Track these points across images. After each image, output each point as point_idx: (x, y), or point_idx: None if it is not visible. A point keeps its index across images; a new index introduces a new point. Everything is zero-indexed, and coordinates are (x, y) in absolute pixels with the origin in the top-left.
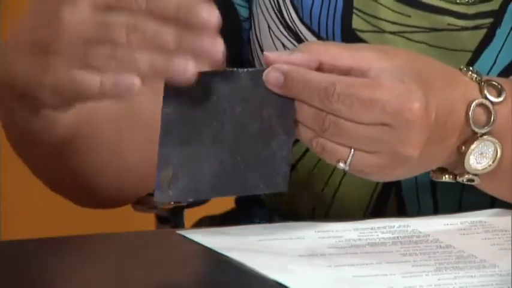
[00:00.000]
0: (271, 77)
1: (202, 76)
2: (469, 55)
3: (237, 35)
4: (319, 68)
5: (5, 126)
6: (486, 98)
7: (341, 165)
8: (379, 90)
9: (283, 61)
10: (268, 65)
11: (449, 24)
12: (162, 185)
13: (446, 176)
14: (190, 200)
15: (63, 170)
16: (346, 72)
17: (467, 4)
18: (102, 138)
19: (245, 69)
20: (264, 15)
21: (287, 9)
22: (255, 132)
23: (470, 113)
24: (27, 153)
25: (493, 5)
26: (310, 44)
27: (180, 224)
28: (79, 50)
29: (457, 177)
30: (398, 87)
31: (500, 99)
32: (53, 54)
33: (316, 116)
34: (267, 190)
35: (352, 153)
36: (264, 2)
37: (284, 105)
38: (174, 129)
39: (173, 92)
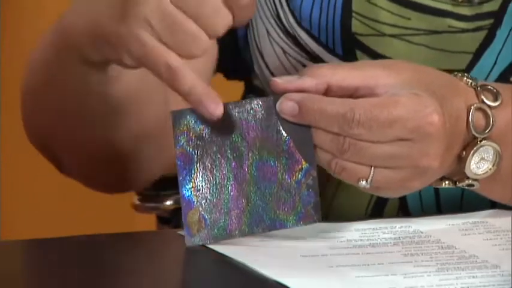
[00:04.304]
0: (285, 107)
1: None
2: (469, 57)
3: (232, 43)
4: (327, 90)
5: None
6: (483, 102)
7: (362, 183)
8: (396, 108)
9: (293, 88)
10: (276, 92)
11: (449, 26)
12: (191, 228)
13: (446, 182)
14: (222, 240)
15: (110, 141)
16: (353, 91)
17: (468, 6)
18: (152, 101)
19: (255, 99)
20: (262, 20)
21: (285, 14)
22: (275, 163)
23: (470, 118)
24: (75, 128)
25: (493, 6)
26: (317, 67)
27: (180, 225)
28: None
29: (457, 183)
30: (414, 102)
31: (497, 103)
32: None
33: (334, 140)
34: (299, 223)
35: (373, 171)
36: (261, 8)
37: (300, 132)
38: (192, 168)
39: (183, 130)
